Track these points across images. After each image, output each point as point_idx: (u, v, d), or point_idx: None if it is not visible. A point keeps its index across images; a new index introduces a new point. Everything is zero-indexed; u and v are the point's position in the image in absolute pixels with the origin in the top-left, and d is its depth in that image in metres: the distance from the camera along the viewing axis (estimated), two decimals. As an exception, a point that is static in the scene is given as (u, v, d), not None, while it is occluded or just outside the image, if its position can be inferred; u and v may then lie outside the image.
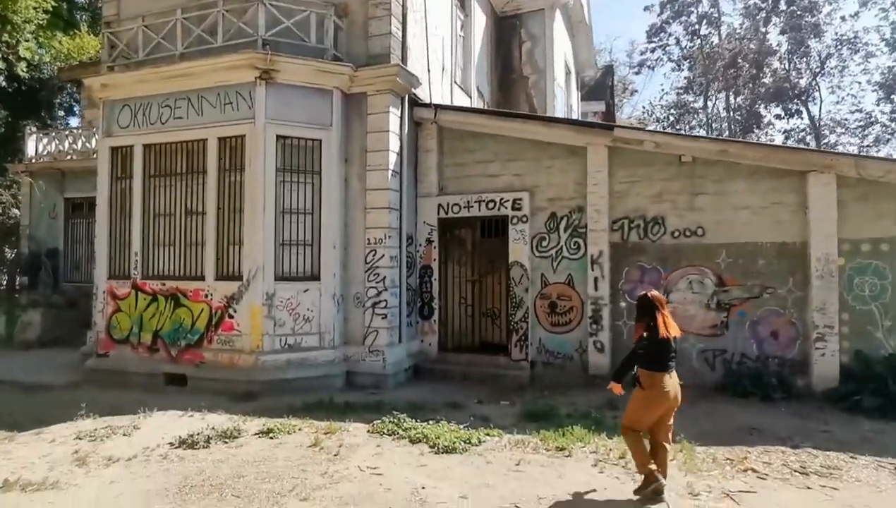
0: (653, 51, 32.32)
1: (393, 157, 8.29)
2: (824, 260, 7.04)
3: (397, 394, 7.47)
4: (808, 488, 4.39)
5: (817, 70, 28.79)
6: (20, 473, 4.70)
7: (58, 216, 13.52)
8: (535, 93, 15.11)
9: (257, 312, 7.59)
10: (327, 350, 7.96)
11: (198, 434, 5.56)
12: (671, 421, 4.25)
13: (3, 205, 18.41)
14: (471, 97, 12.26)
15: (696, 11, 30.78)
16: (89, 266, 12.16)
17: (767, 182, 7.44)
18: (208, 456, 5.11)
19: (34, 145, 13.89)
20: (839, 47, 28.44)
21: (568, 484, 4.45)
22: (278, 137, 7.84)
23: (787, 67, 29.11)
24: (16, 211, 17.02)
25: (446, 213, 8.97)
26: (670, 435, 4.26)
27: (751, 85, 29.15)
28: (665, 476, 4.12)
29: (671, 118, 33.29)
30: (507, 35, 14.67)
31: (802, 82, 29.01)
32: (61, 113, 22.69)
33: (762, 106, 29.75)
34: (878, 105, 28.67)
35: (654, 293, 4.34)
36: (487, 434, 5.66)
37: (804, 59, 28.91)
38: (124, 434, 5.75)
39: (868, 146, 29.04)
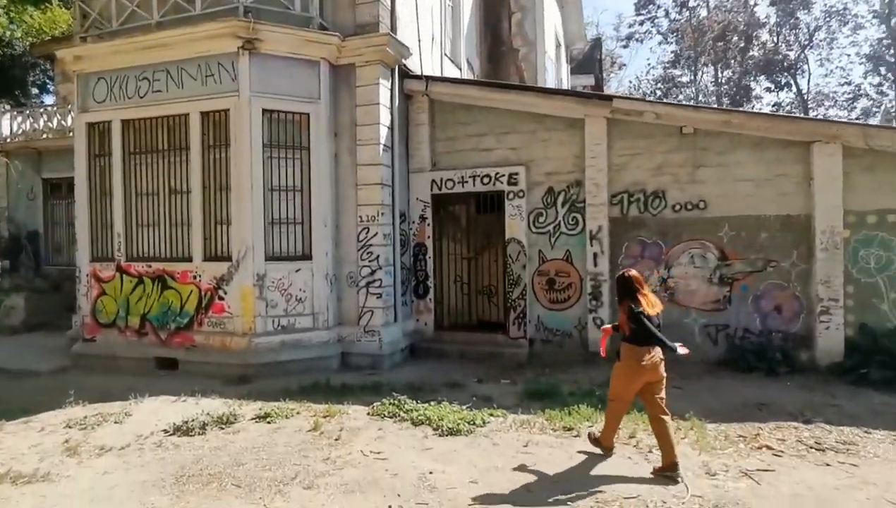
0: (641, 23, 31.97)
1: (384, 131, 7.98)
2: (829, 232, 6.93)
3: (395, 375, 7.31)
4: (827, 465, 4.30)
5: (806, 42, 28.65)
6: (10, 465, 4.47)
7: (36, 197, 13.02)
8: (525, 66, 14.75)
9: (248, 293, 7.32)
10: (321, 331, 7.73)
11: (192, 420, 5.33)
12: (662, 394, 4.27)
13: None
14: (461, 69, 11.89)
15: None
16: (71, 248, 11.70)
17: (771, 153, 7.27)
18: (205, 443, 4.90)
19: (8, 124, 13.28)
20: (828, 19, 28.31)
21: (579, 466, 4.32)
22: (264, 111, 7.47)
23: (776, 40, 28.91)
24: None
25: (440, 189, 8.70)
26: (665, 408, 4.29)
27: (739, 58, 28.93)
28: (673, 449, 4.10)
29: (658, 92, 33.04)
30: (496, 5, 14.22)
31: (791, 55, 28.86)
32: (35, 91, 21.91)
33: (752, 79, 29.60)
34: (865, 77, 28.71)
35: (633, 273, 4.35)
36: (491, 415, 5.52)
37: (793, 32, 28.74)
38: (116, 422, 5.51)
39: (857, 119, 29.12)
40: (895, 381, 6.23)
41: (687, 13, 30.56)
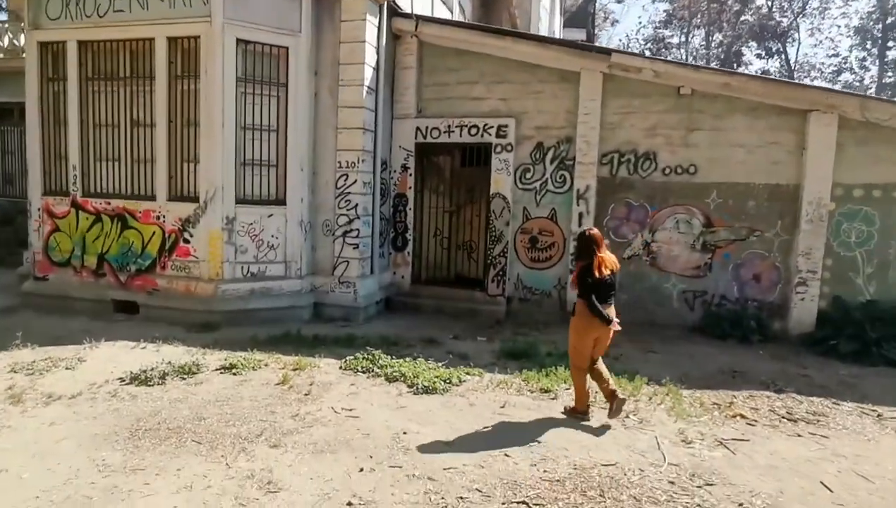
0: (637, -23, 30.86)
1: (369, 72, 7.46)
2: (816, 203, 6.84)
3: (369, 328, 7.11)
4: (799, 436, 4.30)
5: (799, 10, 28.22)
6: (-59, 412, 4.14)
7: (-15, 123, 12.04)
8: (518, 13, 14.09)
9: (216, 237, 6.92)
10: (293, 279, 7.43)
11: (152, 369, 5.05)
12: (604, 348, 4.52)
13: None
14: (451, 12, 11.23)
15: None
16: (25, 179, 10.97)
17: (766, 120, 7.07)
18: (164, 395, 4.64)
19: (-47, 41, 12.09)
20: (823, -15, 27.85)
21: (556, 431, 4.22)
22: (239, 41, 6.86)
23: (770, 4, 28.40)
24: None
25: (424, 138, 8.28)
26: (600, 358, 4.54)
27: (733, 20, 28.40)
28: (610, 386, 4.40)
29: (647, 53, 32.38)
30: (492, -55, 13.41)
31: (784, 22, 28.47)
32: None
33: (743, 44, 29.20)
34: (850, 52, 28.62)
35: (593, 231, 4.39)
36: (468, 374, 5.38)
37: (788, -1, 28.27)
38: (67, 368, 5.19)
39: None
40: (863, 353, 6.31)
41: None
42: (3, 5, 19.54)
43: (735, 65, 29.47)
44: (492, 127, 7.95)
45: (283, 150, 7.29)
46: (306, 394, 4.75)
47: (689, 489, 3.45)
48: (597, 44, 26.18)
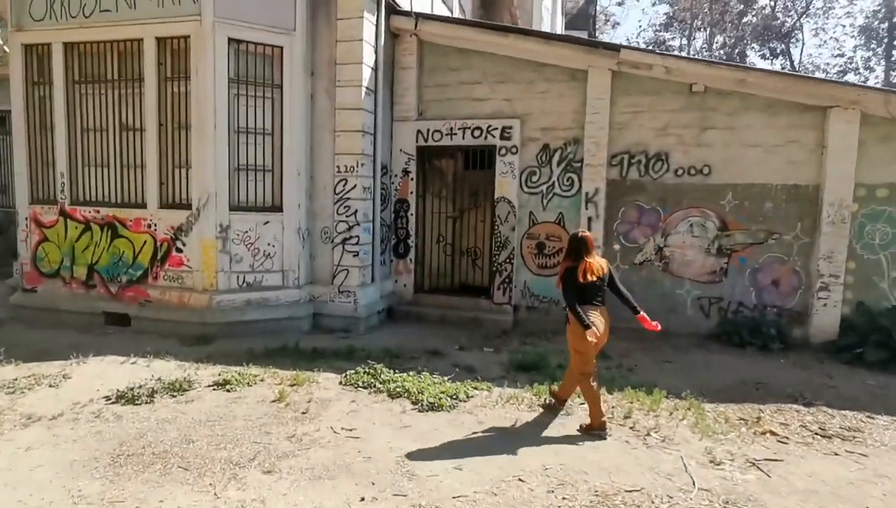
0: (638, -21, 30.70)
1: (367, 72, 7.18)
2: (837, 204, 6.53)
3: (370, 339, 6.79)
4: (836, 454, 3.98)
5: (802, 10, 28.00)
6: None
7: (-25, 131, 11.78)
8: (520, 13, 13.84)
9: (210, 246, 6.63)
10: (291, 289, 7.12)
11: (140, 386, 4.75)
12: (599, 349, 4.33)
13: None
14: (451, 11, 10.98)
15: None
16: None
17: (784, 117, 6.77)
18: (151, 415, 4.33)
19: (-59, 46, 11.86)
20: (826, -15, 27.64)
21: (574, 451, 3.90)
22: (231, 40, 6.59)
23: (773, 4, 28.19)
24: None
25: (426, 141, 7.99)
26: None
27: (736, 21, 28.18)
28: (567, 395, 4.53)
29: (651, 54, 32.18)
30: (491, -57, 13.19)
31: (788, 22, 28.24)
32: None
33: (746, 45, 28.97)
34: (854, 52, 28.37)
35: (585, 234, 4.29)
36: (475, 388, 5.06)
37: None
38: (51, 385, 4.89)
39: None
40: (891, 362, 5.98)
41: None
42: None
43: (738, 66, 29.24)
44: (496, 128, 7.66)
45: (278, 154, 7.00)
46: (304, 413, 4.44)
47: (725, 519, 3.13)
48: (598, 46, 25.96)
